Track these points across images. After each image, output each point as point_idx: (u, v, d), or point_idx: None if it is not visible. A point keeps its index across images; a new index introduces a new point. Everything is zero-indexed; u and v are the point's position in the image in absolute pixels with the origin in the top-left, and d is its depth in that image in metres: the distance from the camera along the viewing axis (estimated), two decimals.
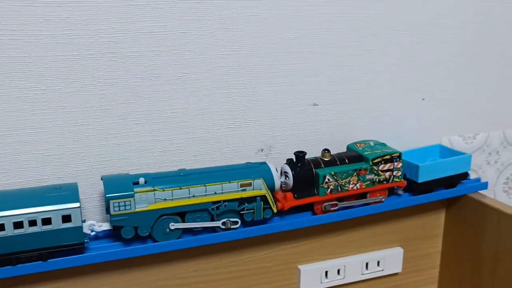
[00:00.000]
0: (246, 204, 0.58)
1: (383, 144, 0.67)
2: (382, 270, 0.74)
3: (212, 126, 0.64)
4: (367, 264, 0.72)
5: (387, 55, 0.71)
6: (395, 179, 0.65)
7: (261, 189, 0.58)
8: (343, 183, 0.62)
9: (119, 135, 0.60)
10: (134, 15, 0.57)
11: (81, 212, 0.51)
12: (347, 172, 0.62)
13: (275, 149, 0.68)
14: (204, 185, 0.56)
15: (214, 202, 0.56)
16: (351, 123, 0.72)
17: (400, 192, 0.67)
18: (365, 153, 0.64)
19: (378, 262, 0.73)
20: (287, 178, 0.61)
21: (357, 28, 0.68)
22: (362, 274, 0.72)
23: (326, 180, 0.61)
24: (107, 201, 0.53)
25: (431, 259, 0.78)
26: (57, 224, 0.50)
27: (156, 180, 0.55)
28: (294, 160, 0.61)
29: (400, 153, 0.65)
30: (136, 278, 0.62)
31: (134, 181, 0.54)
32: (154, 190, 0.54)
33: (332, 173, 0.61)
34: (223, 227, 0.57)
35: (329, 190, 0.61)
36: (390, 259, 0.74)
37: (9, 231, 0.49)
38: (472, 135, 0.81)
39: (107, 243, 0.56)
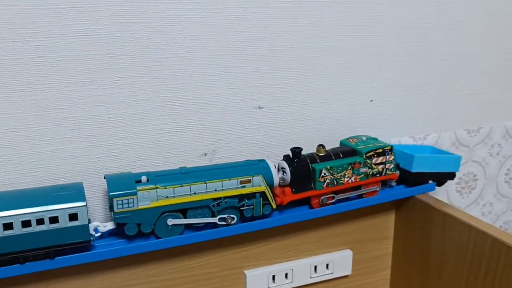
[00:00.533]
0: (246, 201, 0.60)
1: (375, 139, 0.70)
2: (332, 273, 0.73)
3: (152, 131, 0.63)
4: (315, 267, 0.72)
5: (332, 57, 0.70)
6: (387, 172, 0.67)
7: (260, 186, 0.60)
8: (339, 177, 0.64)
9: (53, 142, 0.58)
10: (64, 18, 0.55)
11: (87, 211, 0.52)
12: (342, 166, 0.64)
13: (219, 153, 0.67)
14: (205, 182, 0.57)
15: (214, 199, 0.58)
16: (298, 126, 0.71)
17: (393, 183, 0.70)
18: (359, 147, 0.66)
19: (327, 265, 0.73)
20: (284, 174, 0.62)
21: (301, 30, 0.67)
22: (310, 277, 0.72)
23: (323, 174, 0.63)
24: (110, 199, 0.54)
25: (382, 261, 0.78)
26: (64, 222, 0.51)
27: (158, 178, 0.56)
28: (291, 156, 0.63)
29: (392, 146, 0.67)
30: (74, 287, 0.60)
31: (136, 179, 0.56)
32: (156, 188, 0.56)
33: (328, 167, 0.63)
34: (223, 222, 0.59)
35: (325, 184, 0.63)
36: (339, 262, 0.73)
37: (17, 229, 0.50)
38: (423, 135, 0.81)
39: (111, 241, 0.57)
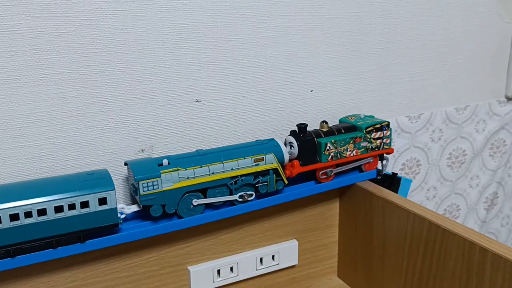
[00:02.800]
0: (261, 178, 0.64)
1: (372, 116, 0.75)
2: (278, 264, 0.73)
3: (84, 129, 0.61)
4: (261, 259, 0.72)
5: (269, 48, 0.70)
6: (385, 146, 0.73)
7: (272, 163, 0.64)
8: (342, 150, 0.69)
9: None
10: None
11: (115, 195, 0.55)
12: (345, 140, 0.69)
13: (157, 148, 0.66)
14: (222, 162, 0.61)
15: (232, 177, 0.62)
16: (237, 118, 0.70)
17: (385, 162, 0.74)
18: (358, 123, 0.71)
19: (273, 257, 0.73)
20: (292, 148, 0.67)
21: (236, 22, 0.67)
22: (257, 269, 0.72)
23: (328, 147, 0.68)
24: (136, 182, 0.57)
25: (328, 249, 0.78)
26: (94, 206, 0.54)
27: (178, 161, 0.60)
28: (297, 131, 0.68)
29: (388, 122, 0.72)
30: None
31: (158, 163, 0.59)
32: (178, 170, 0.59)
33: (332, 141, 0.68)
34: (241, 199, 0.63)
35: (330, 157, 0.68)
36: (285, 252, 0.73)
37: (51, 215, 0.52)
38: None
39: (136, 224, 0.60)
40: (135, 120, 0.64)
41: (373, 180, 0.74)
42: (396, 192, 0.74)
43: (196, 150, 0.63)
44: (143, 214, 0.60)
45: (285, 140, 0.68)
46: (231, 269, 0.70)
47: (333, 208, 0.77)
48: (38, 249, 0.53)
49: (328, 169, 0.69)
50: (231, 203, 0.63)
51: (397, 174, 0.75)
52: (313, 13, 0.72)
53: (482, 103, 0.94)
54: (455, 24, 0.86)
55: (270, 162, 0.64)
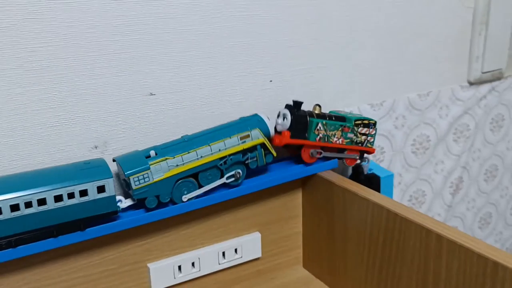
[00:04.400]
0: (249, 154, 0.65)
1: (360, 114, 0.77)
2: (241, 257, 0.73)
3: (32, 126, 0.59)
4: (224, 253, 0.71)
5: (225, 39, 0.68)
6: (368, 144, 0.74)
7: (259, 138, 0.65)
8: (330, 135, 0.70)
9: None
10: None
11: (113, 183, 0.56)
12: (334, 125, 0.70)
13: (111, 144, 0.64)
14: (209, 145, 0.62)
15: (221, 158, 0.63)
16: (195, 111, 0.69)
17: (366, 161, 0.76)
18: (348, 115, 0.73)
19: (236, 250, 0.72)
20: (285, 120, 0.67)
21: (190, 12, 0.65)
22: (219, 264, 0.71)
23: (318, 127, 0.68)
24: (127, 177, 0.57)
25: (292, 240, 0.78)
26: (93, 195, 0.55)
27: (165, 150, 0.60)
28: (292, 106, 0.68)
29: (375, 122, 0.74)
30: None
31: (146, 155, 0.59)
32: (166, 159, 0.59)
33: (324, 122, 0.69)
34: (232, 179, 0.64)
35: (318, 137, 0.69)
36: (248, 245, 0.73)
37: (51, 205, 0.53)
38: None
39: (133, 211, 0.60)
40: (86, 116, 0.62)
41: (336, 170, 0.74)
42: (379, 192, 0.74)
43: (182, 136, 0.63)
44: (139, 205, 0.61)
45: (279, 112, 0.69)
46: (193, 264, 0.69)
47: (296, 199, 0.77)
48: (39, 238, 0.54)
49: (313, 149, 0.69)
50: (225, 185, 0.65)
51: (375, 174, 0.75)
52: (270, 2, 0.71)
53: (444, 89, 0.94)
54: (415, 10, 0.86)
55: (256, 137, 0.64)
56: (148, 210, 0.60)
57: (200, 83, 0.68)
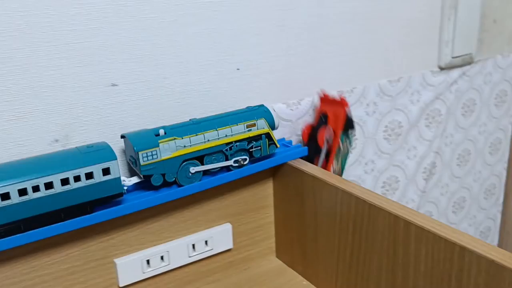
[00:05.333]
0: (254, 143, 0.66)
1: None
2: (212, 249, 0.71)
3: None
4: (194, 245, 0.70)
5: (189, 27, 0.67)
6: None
7: (264, 128, 0.66)
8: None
9: None
10: None
11: (118, 165, 0.56)
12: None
13: (73, 137, 0.62)
14: (216, 130, 0.63)
15: (227, 144, 0.64)
16: (160, 102, 0.67)
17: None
18: None
19: (206, 242, 0.71)
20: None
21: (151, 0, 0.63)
22: (189, 256, 0.70)
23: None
24: (136, 153, 0.58)
25: (265, 230, 0.77)
26: (98, 177, 0.55)
27: (173, 130, 0.61)
28: None
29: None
30: None
31: (155, 134, 0.60)
32: (174, 139, 0.61)
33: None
34: (236, 164, 0.66)
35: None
36: (218, 237, 0.72)
37: (58, 188, 0.53)
38: (297, 101, 0.80)
39: (138, 194, 0.61)
40: (45, 109, 0.59)
41: (305, 158, 0.73)
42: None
43: (190, 119, 0.65)
44: (144, 186, 0.63)
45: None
46: (162, 258, 0.67)
47: (267, 189, 0.76)
48: (47, 222, 0.54)
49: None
50: (227, 169, 0.66)
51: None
52: None
53: (415, 74, 0.94)
54: None
55: (261, 127, 0.66)
56: (154, 190, 0.62)
57: (164, 73, 0.67)
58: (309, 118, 0.82)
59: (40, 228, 0.54)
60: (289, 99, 0.79)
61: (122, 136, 0.62)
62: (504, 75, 1.11)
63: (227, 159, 0.65)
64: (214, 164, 0.64)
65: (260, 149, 0.67)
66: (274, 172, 0.75)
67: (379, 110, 0.91)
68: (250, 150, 0.67)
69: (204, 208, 0.70)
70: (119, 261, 0.64)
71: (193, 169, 0.62)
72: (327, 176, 0.66)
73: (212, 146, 0.63)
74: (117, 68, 0.63)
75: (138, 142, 0.59)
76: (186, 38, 0.67)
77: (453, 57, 0.97)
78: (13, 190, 0.51)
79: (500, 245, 1.30)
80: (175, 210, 0.68)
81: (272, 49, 0.75)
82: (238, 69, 0.73)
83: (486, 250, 0.48)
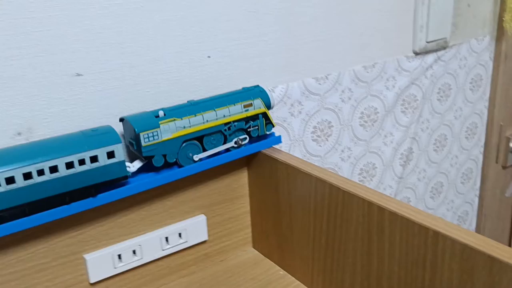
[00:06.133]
0: (251, 122, 0.68)
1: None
2: (186, 241, 0.70)
3: None
4: (167, 238, 0.68)
5: (156, 14, 0.65)
6: None
7: (260, 108, 0.67)
8: None
9: None
10: None
11: (122, 149, 0.57)
12: None
13: (37, 130, 0.60)
14: (214, 110, 0.64)
15: (225, 124, 0.65)
16: (128, 91, 0.65)
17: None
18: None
19: (180, 234, 0.69)
20: None
21: None
22: (163, 250, 0.68)
23: None
24: (137, 133, 0.58)
25: (240, 220, 0.76)
26: (103, 160, 0.55)
27: (172, 112, 0.62)
28: None
29: None
30: None
31: (155, 115, 0.61)
32: (174, 120, 0.61)
33: None
34: (235, 145, 0.67)
35: None
36: (192, 228, 0.70)
37: (63, 171, 0.53)
38: (271, 88, 0.79)
39: (141, 176, 0.62)
40: (5, 101, 0.57)
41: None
42: None
43: (188, 101, 0.65)
44: (144, 169, 0.63)
45: None
46: (134, 252, 0.66)
47: (242, 178, 0.74)
48: (52, 206, 0.54)
49: None
50: (227, 150, 0.67)
51: None
52: None
53: (390, 60, 0.93)
54: None
55: (258, 107, 0.67)
56: (156, 171, 0.62)
57: (132, 62, 0.64)
58: (283, 106, 0.80)
59: (45, 212, 0.54)
60: (263, 87, 0.78)
61: (121, 119, 0.62)
62: (479, 59, 1.11)
63: (225, 139, 0.66)
64: (214, 148, 0.65)
65: (258, 128, 0.68)
66: (249, 161, 0.73)
67: (354, 97, 0.90)
68: (248, 130, 0.68)
69: (176, 200, 0.69)
70: (88, 256, 0.62)
71: (196, 157, 0.63)
72: (301, 164, 0.65)
73: (211, 127, 0.64)
74: (81, 57, 0.61)
75: (139, 123, 0.59)
76: (153, 25, 0.65)
77: (427, 42, 0.97)
78: (18, 174, 0.51)
79: (478, 228, 1.31)
80: (146, 203, 0.66)
81: (244, 35, 0.74)
82: (209, 56, 0.71)
83: (460, 234, 0.47)
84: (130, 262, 0.65)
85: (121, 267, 0.65)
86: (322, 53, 0.84)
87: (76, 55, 0.60)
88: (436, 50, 1.00)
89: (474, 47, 1.08)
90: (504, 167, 1.28)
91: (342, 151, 0.92)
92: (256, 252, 0.77)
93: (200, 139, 0.64)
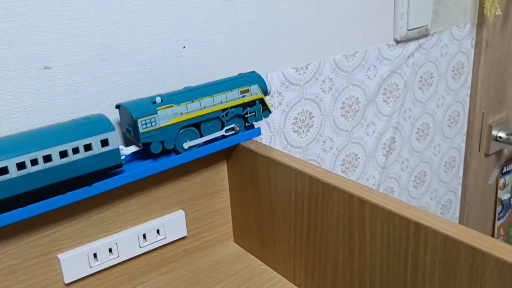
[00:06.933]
0: (248, 108, 0.67)
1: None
2: (164, 238, 0.68)
3: None
4: (144, 235, 0.66)
5: (127, 2, 0.62)
6: None
7: (257, 94, 0.67)
8: None
9: None
10: None
11: (116, 136, 0.56)
12: None
13: (4, 126, 0.57)
14: (212, 96, 0.63)
15: (222, 110, 0.64)
16: (100, 84, 0.63)
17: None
18: None
19: (158, 231, 0.67)
20: None
21: None
22: (140, 247, 0.66)
23: None
24: (135, 120, 0.57)
25: (221, 215, 0.74)
26: (97, 148, 0.55)
27: (169, 98, 0.61)
28: None
29: None
30: None
31: (152, 101, 0.60)
32: (171, 106, 0.60)
33: None
34: (231, 132, 0.66)
35: None
36: (170, 225, 0.68)
37: (56, 161, 0.52)
38: None
39: (136, 164, 0.61)
40: None
41: None
42: None
43: (184, 87, 0.65)
44: (140, 156, 0.62)
45: None
46: (110, 250, 0.64)
47: (221, 172, 0.72)
48: (47, 196, 0.53)
49: None
50: (223, 136, 0.66)
51: None
52: None
53: (371, 48, 0.92)
54: None
55: (255, 93, 0.66)
56: (153, 158, 0.62)
57: (103, 53, 0.62)
58: None
59: (40, 202, 0.53)
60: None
61: (117, 106, 0.61)
62: (460, 47, 1.10)
63: (223, 126, 0.65)
64: (210, 135, 0.64)
65: (255, 114, 0.67)
66: (228, 154, 0.72)
67: (335, 87, 0.89)
68: (245, 116, 0.67)
69: (153, 196, 0.67)
70: (62, 256, 0.60)
71: (186, 144, 0.62)
72: (280, 156, 0.63)
73: (209, 113, 0.63)
74: (49, 50, 0.58)
75: (136, 110, 0.58)
76: (124, 15, 0.62)
77: (408, 30, 0.95)
78: (11, 164, 0.50)
79: (461, 216, 1.31)
80: (122, 199, 0.64)
81: (220, 25, 0.71)
82: (184, 47, 0.69)
83: (441, 225, 0.46)
84: (106, 260, 0.63)
85: (97, 266, 0.63)
86: (301, 42, 0.82)
87: (43, 47, 0.58)
88: (417, 38, 0.99)
89: (456, 35, 1.08)
90: (486, 155, 1.28)
91: (324, 142, 0.90)
92: (238, 247, 0.76)
93: (197, 125, 0.63)
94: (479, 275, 0.43)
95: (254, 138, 0.70)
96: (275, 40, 0.78)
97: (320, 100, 0.87)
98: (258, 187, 0.67)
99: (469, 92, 1.18)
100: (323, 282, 0.61)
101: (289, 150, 0.85)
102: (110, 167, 0.56)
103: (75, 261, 0.61)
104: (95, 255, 0.62)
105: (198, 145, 0.64)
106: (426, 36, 1.01)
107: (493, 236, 1.42)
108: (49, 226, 0.59)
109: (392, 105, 1.00)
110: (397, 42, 0.96)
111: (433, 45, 1.03)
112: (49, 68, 0.59)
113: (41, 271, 0.59)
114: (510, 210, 1.43)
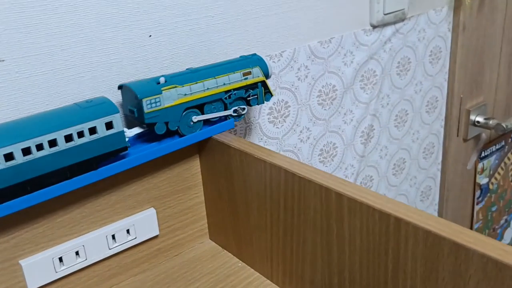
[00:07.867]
0: (251, 91, 0.66)
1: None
2: (135, 238, 0.65)
3: None
4: (113, 236, 0.63)
5: None
6: None
7: (259, 76, 0.66)
8: None
9: None
10: None
11: (120, 119, 0.55)
12: None
13: None
14: (215, 78, 0.63)
15: (226, 92, 0.64)
16: (60, 77, 0.59)
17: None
18: None
19: (128, 231, 0.64)
20: None
21: None
22: (110, 248, 0.63)
23: None
24: (139, 100, 0.56)
25: (195, 211, 0.71)
26: (102, 131, 0.54)
27: (173, 79, 0.60)
28: None
29: None
30: None
31: (156, 82, 0.59)
32: (175, 87, 0.60)
33: None
34: (235, 114, 0.66)
35: None
36: (141, 224, 0.65)
37: (62, 145, 0.51)
38: None
39: (141, 146, 0.60)
40: None
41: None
42: None
43: (187, 69, 0.64)
44: (144, 139, 0.62)
45: None
46: (77, 253, 0.60)
47: (194, 167, 0.69)
48: (53, 182, 0.52)
49: None
50: (226, 118, 0.66)
51: None
52: None
53: (347, 34, 0.89)
54: None
55: (257, 75, 0.66)
56: (157, 141, 0.61)
57: (61, 43, 0.58)
58: None
59: (47, 188, 0.52)
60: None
61: (120, 87, 0.60)
62: (438, 31, 1.08)
63: (226, 108, 0.65)
64: (214, 113, 0.64)
65: (257, 97, 0.67)
66: (200, 148, 0.68)
67: (311, 74, 0.86)
68: (248, 98, 0.66)
69: (122, 194, 0.63)
70: (24, 262, 0.56)
71: (195, 118, 0.62)
72: (254, 149, 0.60)
73: (212, 94, 0.63)
74: (2, 41, 0.54)
75: (141, 89, 0.57)
76: (84, 2, 0.58)
77: (385, 14, 0.93)
78: (16, 149, 0.48)
79: (441, 202, 1.30)
80: (87, 199, 0.60)
81: (189, 10, 0.68)
82: (150, 35, 0.65)
83: (422, 220, 0.44)
84: (73, 264, 0.60)
85: (63, 270, 0.59)
86: (275, 28, 0.79)
87: None
88: (394, 23, 0.97)
89: (432, 18, 1.06)
90: (465, 140, 1.27)
91: (301, 132, 0.88)
92: (213, 244, 0.73)
93: (201, 107, 0.63)
94: (463, 272, 0.41)
95: (227, 131, 0.66)
96: (246, 27, 0.75)
97: (296, 88, 0.84)
98: (233, 181, 0.64)
99: (447, 77, 1.16)
100: (301, 280, 0.59)
101: (265, 142, 0.82)
102: (116, 150, 0.55)
103: (39, 267, 0.57)
104: (60, 259, 0.59)
105: (199, 121, 0.63)
106: (403, 20, 0.98)
107: (472, 220, 1.42)
108: (9, 231, 0.55)
109: (369, 92, 0.98)
110: (374, 27, 0.93)
111: (410, 30, 1.01)
112: (2, 61, 0.54)
113: (2, 279, 0.56)
114: (488, 194, 1.43)
